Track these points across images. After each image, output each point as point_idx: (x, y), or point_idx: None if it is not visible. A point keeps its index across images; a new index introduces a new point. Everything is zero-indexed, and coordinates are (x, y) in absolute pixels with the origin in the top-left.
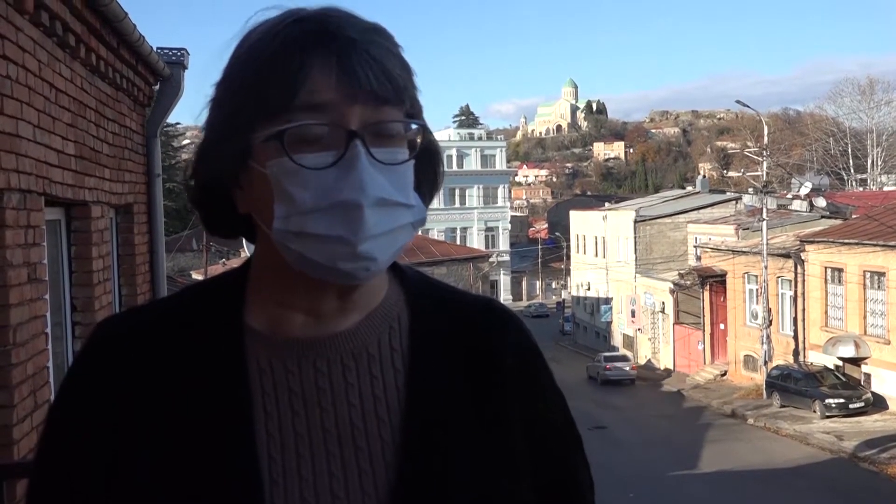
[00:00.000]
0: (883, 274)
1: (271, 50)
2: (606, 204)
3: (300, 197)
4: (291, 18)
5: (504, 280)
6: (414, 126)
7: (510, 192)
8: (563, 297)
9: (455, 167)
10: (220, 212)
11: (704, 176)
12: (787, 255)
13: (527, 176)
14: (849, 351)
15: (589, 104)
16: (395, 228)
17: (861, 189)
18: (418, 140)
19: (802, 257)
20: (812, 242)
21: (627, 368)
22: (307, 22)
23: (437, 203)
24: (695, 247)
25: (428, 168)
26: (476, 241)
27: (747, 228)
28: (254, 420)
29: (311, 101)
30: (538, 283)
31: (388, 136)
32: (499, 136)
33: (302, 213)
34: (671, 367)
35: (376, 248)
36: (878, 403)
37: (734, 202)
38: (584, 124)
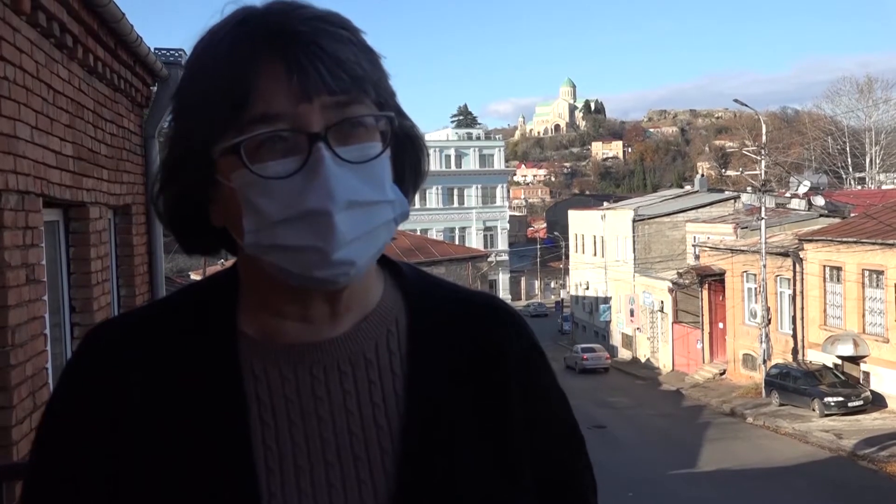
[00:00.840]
0: (881, 272)
1: (217, 58)
2: (605, 203)
3: (267, 208)
4: (235, 21)
5: (503, 280)
6: (384, 117)
7: (508, 191)
8: (561, 296)
9: (453, 167)
10: (196, 229)
11: (703, 175)
12: (785, 254)
13: (525, 175)
14: (847, 349)
15: (587, 104)
16: (373, 228)
17: (859, 188)
18: (390, 130)
19: (801, 256)
20: (811, 241)
21: (602, 358)
22: (251, 22)
23: (435, 203)
24: (693, 246)
25: (409, 155)
26: (475, 241)
27: (746, 227)
28: (250, 431)
29: (264, 112)
30: (537, 283)
31: (355, 132)
32: (497, 136)
33: (270, 225)
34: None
35: (353, 252)
36: (877, 402)
37: (733, 201)
38: (582, 124)
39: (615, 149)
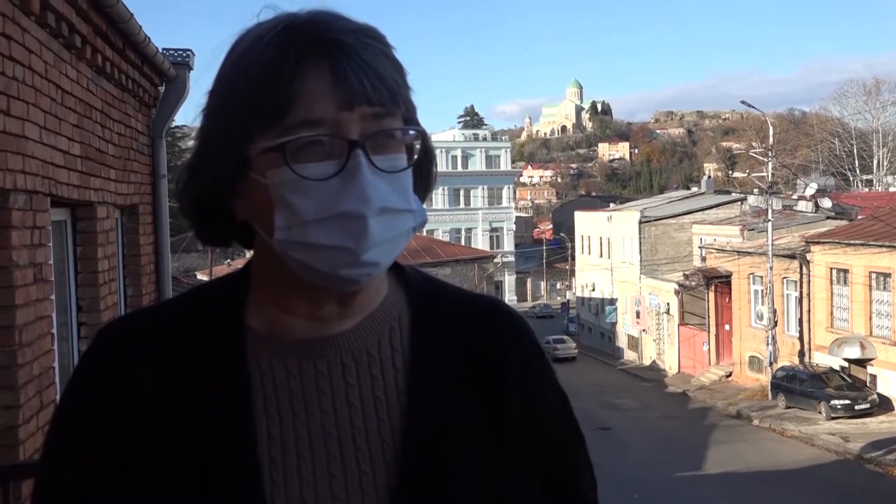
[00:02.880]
0: (889, 275)
1: (263, 60)
2: (611, 204)
3: (302, 207)
4: (281, 25)
5: (509, 281)
6: (412, 131)
7: (515, 192)
8: (567, 297)
9: (460, 168)
10: (216, 221)
11: (710, 176)
12: (792, 256)
13: (531, 177)
14: (854, 352)
15: (594, 105)
16: (397, 235)
17: (866, 190)
18: (417, 145)
19: (808, 258)
20: (817, 243)
21: (571, 348)
22: (297, 28)
23: (441, 204)
24: (700, 247)
25: (423, 167)
26: (481, 242)
27: (752, 229)
28: (255, 422)
29: (308, 116)
30: (543, 284)
31: (386, 143)
32: (503, 137)
33: (304, 223)
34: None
35: (379, 255)
36: (884, 405)
37: (739, 203)
38: (588, 125)
39: (622, 150)
